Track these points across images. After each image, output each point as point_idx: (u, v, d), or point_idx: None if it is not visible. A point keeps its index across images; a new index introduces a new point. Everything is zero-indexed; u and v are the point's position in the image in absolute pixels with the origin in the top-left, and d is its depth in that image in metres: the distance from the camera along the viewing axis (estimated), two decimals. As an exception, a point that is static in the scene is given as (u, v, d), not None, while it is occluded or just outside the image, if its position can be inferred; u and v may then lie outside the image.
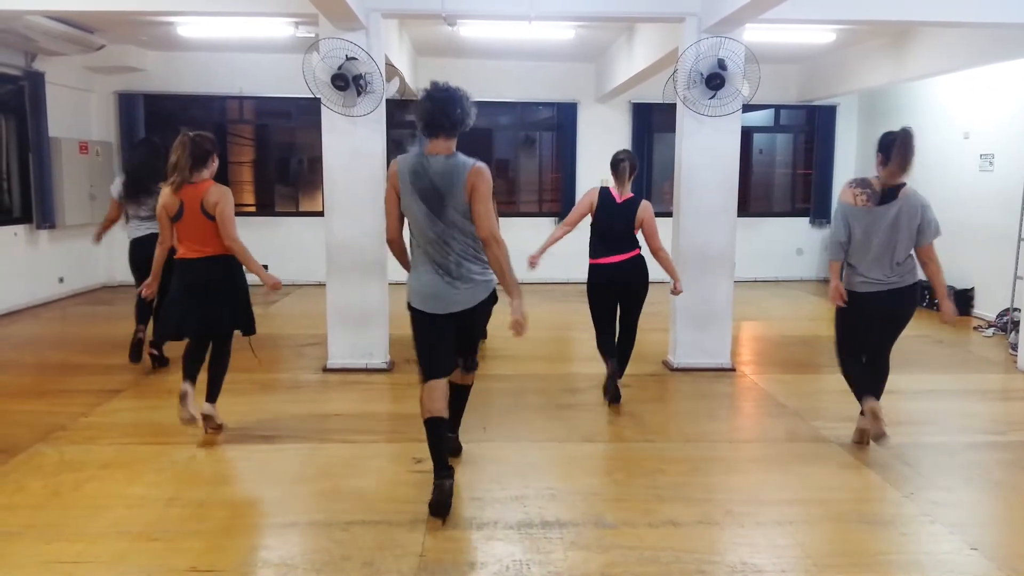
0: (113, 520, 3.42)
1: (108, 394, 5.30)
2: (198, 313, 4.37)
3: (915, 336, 7.62)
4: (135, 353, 6.03)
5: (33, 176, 8.72)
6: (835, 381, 5.78)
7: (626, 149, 5.41)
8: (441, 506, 3.44)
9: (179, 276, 4.39)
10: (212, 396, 4.56)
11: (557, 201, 11.07)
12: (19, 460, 4.12)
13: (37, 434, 4.49)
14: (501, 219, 9.88)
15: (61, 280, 9.38)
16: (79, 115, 9.84)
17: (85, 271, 9.90)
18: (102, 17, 7.63)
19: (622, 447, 4.44)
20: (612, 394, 5.10)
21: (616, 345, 5.20)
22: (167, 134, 10.62)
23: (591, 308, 5.21)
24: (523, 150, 11.47)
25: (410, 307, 3.61)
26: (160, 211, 4.34)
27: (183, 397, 4.38)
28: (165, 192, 4.29)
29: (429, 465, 4.04)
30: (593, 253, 5.16)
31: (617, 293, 5.15)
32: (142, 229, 6.16)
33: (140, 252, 5.92)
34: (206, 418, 4.50)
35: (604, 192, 5.18)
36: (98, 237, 6.61)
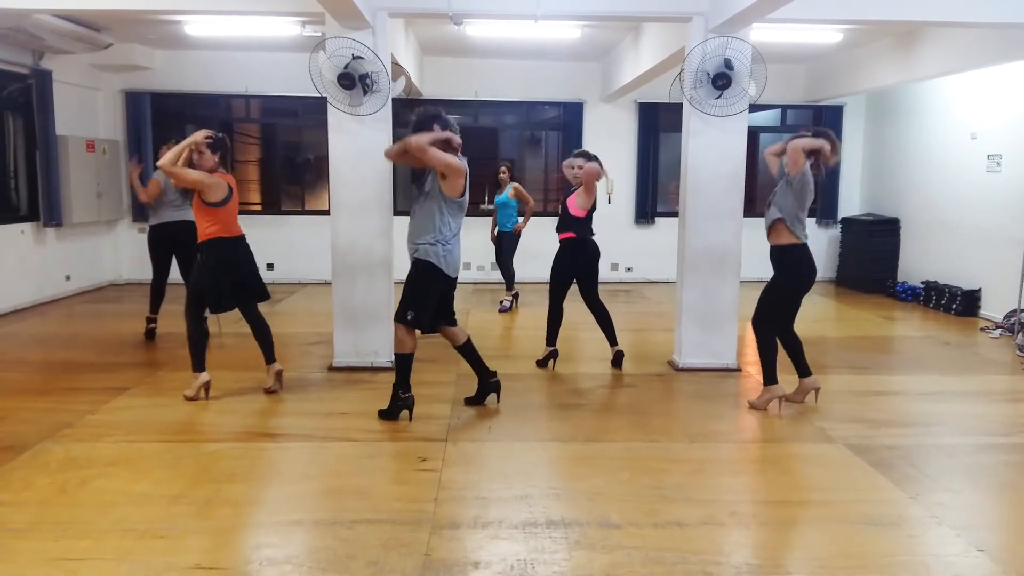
0: (119, 517, 3.43)
1: (114, 392, 5.31)
2: (239, 285, 5.17)
3: (921, 337, 7.60)
4: (151, 336, 6.87)
5: (40, 174, 8.74)
6: (841, 382, 5.79)
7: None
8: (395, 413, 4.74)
9: (223, 253, 5.07)
10: (272, 356, 5.36)
11: (562, 201, 11.04)
12: (26, 457, 4.13)
13: (44, 431, 4.51)
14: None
15: (68, 278, 9.41)
16: (86, 113, 9.87)
17: (92, 269, 9.94)
18: (109, 16, 7.66)
19: (627, 447, 4.44)
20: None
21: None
22: (173, 132, 10.74)
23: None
24: (529, 149, 11.47)
25: (440, 274, 4.62)
26: (207, 194, 4.97)
27: (208, 386, 5.12)
28: (218, 179, 5.01)
29: (434, 464, 4.07)
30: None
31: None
32: (179, 214, 6.61)
33: (171, 235, 6.66)
34: (278, 374, 5.33)
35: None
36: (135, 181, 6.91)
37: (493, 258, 9.37)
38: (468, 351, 5.01)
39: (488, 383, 5.09)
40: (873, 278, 10.14)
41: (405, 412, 4.76)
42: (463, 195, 4.64)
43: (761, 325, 5.07)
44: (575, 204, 5.92)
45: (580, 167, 5.85)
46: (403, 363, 4.71)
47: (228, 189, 5.09)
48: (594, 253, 6.01)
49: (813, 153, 4.89)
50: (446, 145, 4.53)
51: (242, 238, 5.23)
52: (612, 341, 6.08)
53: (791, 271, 4.96)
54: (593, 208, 5.98)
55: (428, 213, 4.61)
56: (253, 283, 5.29)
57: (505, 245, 8.83)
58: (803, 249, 4.92)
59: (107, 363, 6.18)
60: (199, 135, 5.05)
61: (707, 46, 5.68)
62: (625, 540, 3.27)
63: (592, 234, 6.01)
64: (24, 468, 3.99)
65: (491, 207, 9.16)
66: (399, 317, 4.66)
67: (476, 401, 5.08)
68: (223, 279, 5.08)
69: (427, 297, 4.66)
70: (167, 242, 6.69)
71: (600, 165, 5.87)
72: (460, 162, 4.57)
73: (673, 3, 5.88)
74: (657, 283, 10.84)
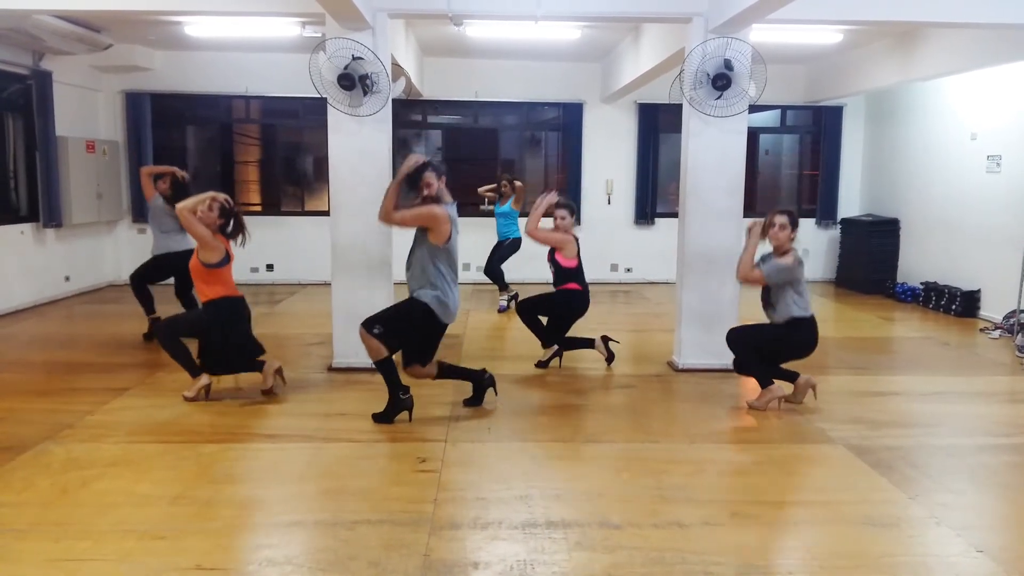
0: (119, 518, 3.44)
1: (115, 392, 5.31)
2: (239, 347, 5.31)
3: (921, 338, 7.61)
4: (151, 337, 6.80)
5: (40, 175, 8.74)
6: (840, 382, 5.79)
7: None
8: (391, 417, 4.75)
9: (229, 315, 5.16)
10: (260, 366, 5.34)
11: (549, 259, 11.02)
12: (26, 458, 4.13)
13: (44, 432, 4.51)
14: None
15: (68, 279, 9.41)
16: (86, 114, 9.87)
17: (92, 270, 9.94)
18: (109, 16, 7.65)
19: (627, 447, 4.44)
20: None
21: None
22: (173, 133, 10.75)
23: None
24: (529, 150, 11.47)
25: (435, 319, 4.62)
26: (204, 253, 5.02)
27: (208, 387, 5.17)
28: (219, 241, 5.03)
29: (434, 464, 4.07)
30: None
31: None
32: (183, 243, 6.63)
33: (172, 264, 6.78)
34: (278, 371, 5.34)
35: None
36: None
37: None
38: (447, 373, 4.98)
39: (482, 382, 5.09)
40: (873, 279, 10.15)
41: (404, 414, 4.76)
42: (450, 240, 4.60)
43: (746, 351, 5.15)
44: (563, 257, 5.98)
45: (563, 218, 5.98)
46: (385, 367, 4.67)
47: (225, 254, 5.10)
48: (588, 303, 6.14)
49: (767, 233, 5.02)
50: (420, 186, 4.60)
51: (244, 299, 5.28)
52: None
53: (797, 339, 5.05)
54: (579, 264, 6.08)
55: (420, 261, 4.64)
56: (247, 341, 5.39)
57: (502, 253, 8.84)
58: (811, 323, 5.02)
59: (107, 364, 6.18)
60: (220, 196, 5.13)
61: (707, 47, 5.68)
62: (625, 540, 3.27)
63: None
64: (25, 469, 4.00)
65: (490, 207, 9.16)
66: (367, 325, 4.63)
67: (475, 402, 5.09)
68: (230, 339, 5.20)
69: (409, 330, 4.68)
70: (169, 268, 6.82)
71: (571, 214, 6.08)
72: (439, 211, 4.53)
73: (673, 4, 5.88)
74: (657, 284, 10.84)
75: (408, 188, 4.65)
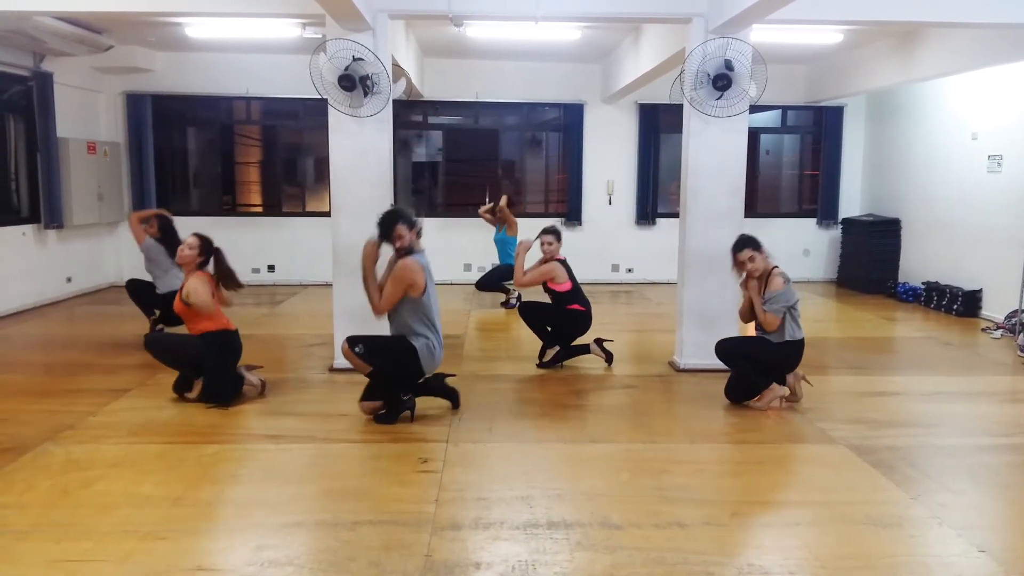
0: (121, 519, 3.44)
1: (116, 393, 5.31)
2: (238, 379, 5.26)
3: (923, 338, 7.60)
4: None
5: (41, 176, 8.75)
6: (842, 382, 5.79)
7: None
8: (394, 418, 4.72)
9: (226, 346, 5.11)
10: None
11: (563, 202, 11.06)
12: (27, 459, 4.13)
13: (45, 433, 4.51)
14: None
15: (69, 280, 9.41)
16: (87, 115, 9.88)
17: (93, 271, 9.94)
18: (110, 18, 7.65)
19: (628, 448, 4.44)
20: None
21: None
22: (174, 134, 10.76)
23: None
24: (529, 151, 11.47)
25: (417, 364, 4.64)
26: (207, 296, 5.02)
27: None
28: (205, 297, 4.99)
29: (435, 465, 4.07)
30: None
31: None
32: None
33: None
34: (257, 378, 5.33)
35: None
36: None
37: (495, 260, 9.34)
38: (425, 391, 4.94)
39: (442, 387, 5.00)
40: (874, 279, 10.14)
41: (406, 413, 4.76)
42: (426, 290, 4.60)
43: (739, 361, 5.14)
44: (556, 284, 6.05)
45: (550, 243, 6.07)
46: (378, 377, 4.70)
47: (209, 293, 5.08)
48: (590, 322, 6.19)
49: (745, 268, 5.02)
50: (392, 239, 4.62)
51: (237, 332, 5.24)
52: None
53: (784, 356, 5.06)
54: (574, 284, 6.11)
55: (401, 315, 4.68)
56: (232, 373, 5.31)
57: (501, 272, 8.86)
58: (801, 344, 5.06)
59: (108, 365, 6.19)
60: (198, 235, 5.16)
61: (707, 47, 5.68)
62: (627, 541, 3.27)
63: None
64: (26, 470, 4.00)
65: (490, 206, 9.16)
66: (350, 342, 4.64)
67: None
68: (229, 367, 5.14)
69: (389, 361, 4.66)
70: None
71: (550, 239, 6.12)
72: (408, 267, 4.53)
73: (673, 4, 5.88)
74: (658, 284, 10.83)
75: (381, 239, 4.65)
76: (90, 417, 4.84)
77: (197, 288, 4.98)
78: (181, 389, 5.18)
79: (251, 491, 3.84)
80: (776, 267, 5.04)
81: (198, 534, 3.32)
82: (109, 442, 4.41)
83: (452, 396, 5.00)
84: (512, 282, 8.70)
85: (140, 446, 4.36)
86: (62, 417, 4.81)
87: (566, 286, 6.05)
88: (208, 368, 5.08)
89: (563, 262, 6.11)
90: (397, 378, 4.73)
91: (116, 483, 3.85)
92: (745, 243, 5.00)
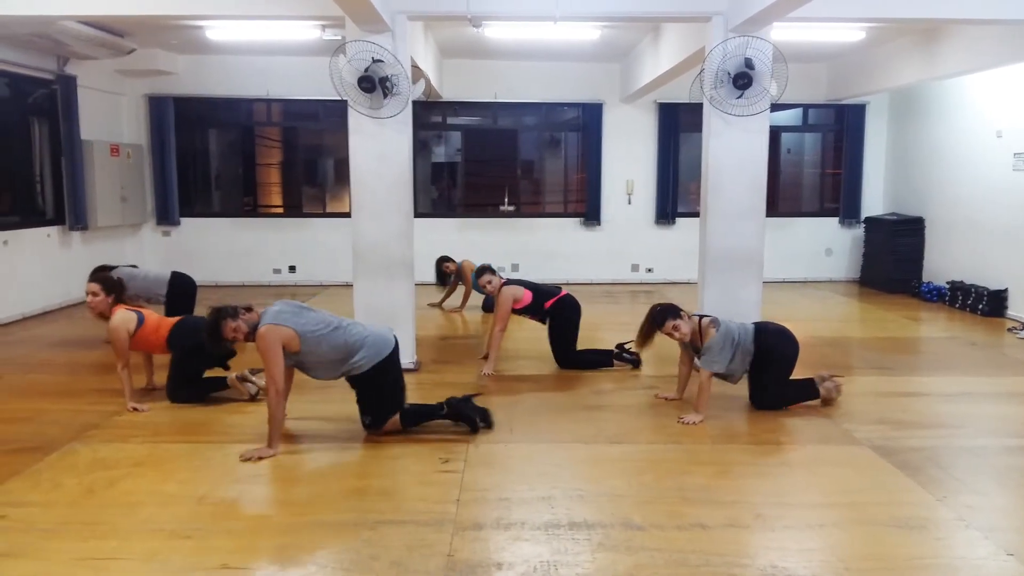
0: (146, 518, 3.47)
1: (140, 393, 5.36)
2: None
3: (948, 338, 7.52)
4: None
5: (65, 178, 8.86)
6: (866, 383, 5.73)
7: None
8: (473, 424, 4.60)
9: (186, 334, 5.17)
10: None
11: (582, 202, 11.04)
12: (54, 458, 4.19)
13: (71, 432, 4.57)
14: (527, 220, 9.79)
15: (93, 281, 9.51)
16: (110, 118, 9.99)
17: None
18: (132, 21, 7.74)
19: (649, 449, 4.42)
20: None
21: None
22: (196, 136, 10.86)
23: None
24: (548, 151, 11.46)
25: (387, 362, 4.48)
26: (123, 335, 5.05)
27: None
28: (123, 333, 5.04)
29: (456, 465, 4.08)
30: None
31: None
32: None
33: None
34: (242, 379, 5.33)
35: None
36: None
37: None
38: (458, 416, 4.64)
39: (443, 415, 4.63)
40: (898, 278, 10.04)
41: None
42: (301, 341, 4.21)
43: (787, 398, 5.14)
44: (520, 303, 6.02)
45: (489, 282, 6.15)
46: (411, 423, 4.57)
47: (136, 317, 5.08)
48: (577, 304, 6.16)
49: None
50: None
51: (185, 319, 5.39)
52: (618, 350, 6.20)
53: (768, 347, 5.04)
54: (531, 288, 6.12)
55: (316, 365, 4.39)
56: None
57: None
58: (764, 330, 5.12)
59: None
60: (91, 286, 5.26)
61: (727, 46, 5.65)
62: (648, 542, 3.26)
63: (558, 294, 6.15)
64: (52, 469, 4.05)
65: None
66: (368, 428, 4.53)
67: (471, 427, 4.65)
68: (188, 368, 5.22)
69: (384, 391, 4.49)
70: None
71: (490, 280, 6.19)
72: (263, 338, 4.14)
73: (693, 3, 5.85)
74: (678, 284, 10.78)
75: (215, 349, 4.52)
76: (115, 416, 4.90)
77: (115, 327, 5.02)
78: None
79: (274, 490, 3.87)
80: (704, 317, 5.02)
81: (222, 533, 3.34)
82: (135, 441, 4.46)
83: (485, 415, 4.69)
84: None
85: (165, 445, 4.41)
86: (88, 416, 4.87)
87: (526, 300, 6.02)
88: (172, 362, 5.22)
89: (507, 282, 6.12)
90: (401, 388, 4.60)
91: (141, 482, 3.89)
92: (665, 314, 4.96)
